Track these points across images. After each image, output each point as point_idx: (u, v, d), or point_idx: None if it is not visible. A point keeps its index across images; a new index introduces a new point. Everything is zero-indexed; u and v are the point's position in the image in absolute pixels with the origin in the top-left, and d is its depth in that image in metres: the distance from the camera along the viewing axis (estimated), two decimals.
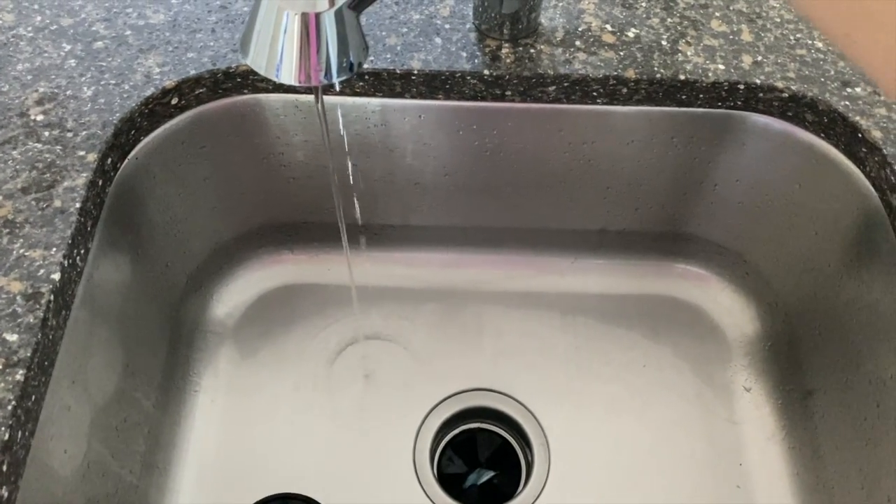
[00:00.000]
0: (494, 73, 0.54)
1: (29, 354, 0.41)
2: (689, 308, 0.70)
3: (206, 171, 0.60)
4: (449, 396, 0.65)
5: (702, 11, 0.58)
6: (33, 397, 0.42)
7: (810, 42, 0.56)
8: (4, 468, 0.39)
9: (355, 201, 0.64)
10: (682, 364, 0.67)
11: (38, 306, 0.43)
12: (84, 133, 0.50)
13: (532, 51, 0.55)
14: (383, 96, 0.56)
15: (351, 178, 0.61)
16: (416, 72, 0.54)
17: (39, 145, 0.49)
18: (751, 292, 0.68)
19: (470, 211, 0.67)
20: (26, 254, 0.45)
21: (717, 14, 0.58)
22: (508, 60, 0.54)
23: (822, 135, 0.55)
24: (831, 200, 0.57)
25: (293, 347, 0.67)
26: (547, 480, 0.61)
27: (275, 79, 0.34)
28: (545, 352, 0.68)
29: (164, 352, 0.61)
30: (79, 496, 0.47)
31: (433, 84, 0.55)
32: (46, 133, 0.50)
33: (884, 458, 0.51)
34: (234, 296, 0.69)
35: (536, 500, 0.60)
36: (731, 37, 0.56)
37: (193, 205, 0.61)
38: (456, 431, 0.65)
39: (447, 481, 0.62)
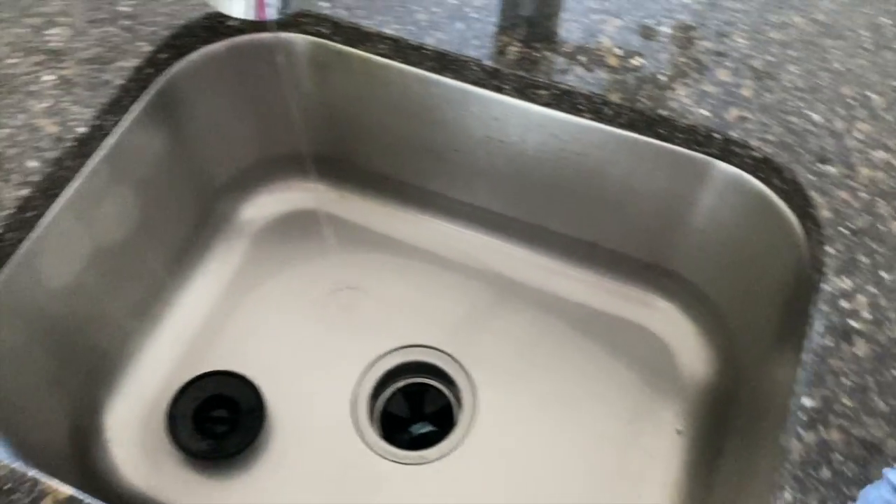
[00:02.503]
0: (494, 66, 0.59)
1: (38, 179, 0.53)
2: (656, 341, 0.72)
3: (262, 90, 0.70)
4: (396, 349, 0.71)
5: (715, 59, 0.60)
6: (31, 212, 0.53)
7: (808, 113, 0.57)
8: None
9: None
10: (629, 388, 0.69)
11: (58, 147, 0.54)
12: (150, 29, 0.61)
13: (536, 54, 0.60)
14: (402, 62, 0.63)
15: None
16: (428, 47, 0.60)
17: (114, 29, 0.61)
18: (716, 346, 0.69)
19: (474, 190, 0.72)
20: (69, 107, 0.56)
21: (729, 64, 0.59)
22: (511, 58, 0.60)
23: (783, 199, 0.55)
24: (787, 269, 0.57)
25: (299, 265, 0.75)
26: (466, 437, 0.66)
27: (228, 14, 0.42)
28: (507, 335, 0.72)
29: (188, 228, 0.72)
30: (60, 307, 0.59)
31: (442, 62, 0.61)
32: (125, 22, 0.62)
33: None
34: (266, 206, 0.79)
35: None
36: (730, 88, 0.58)
37: (244, 117, 0.71)
38: (400, 384, 0.72)
39: (385, 421, 0.69)
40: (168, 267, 0.71)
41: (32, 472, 0.43)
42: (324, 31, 0.63)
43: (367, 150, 0.73)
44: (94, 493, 0.43)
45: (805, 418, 0.44)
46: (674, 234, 0.66)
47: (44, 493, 0.42)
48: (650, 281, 0.72)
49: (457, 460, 0.66)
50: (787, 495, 0.42)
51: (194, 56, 0.64)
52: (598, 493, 0.64)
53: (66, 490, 0.42)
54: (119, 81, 0.58)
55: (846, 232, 0.51)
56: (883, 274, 0.49)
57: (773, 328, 0.58)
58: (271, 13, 0.42)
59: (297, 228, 0.78)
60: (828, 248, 0.50)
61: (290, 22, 0.64)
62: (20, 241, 0.53)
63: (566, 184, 0.66)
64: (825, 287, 0.49)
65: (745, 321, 0.64)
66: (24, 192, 0.53)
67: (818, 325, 0.47)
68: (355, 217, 0.79)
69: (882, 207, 0.52)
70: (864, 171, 0.54)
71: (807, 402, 0.45)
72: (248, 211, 0.78)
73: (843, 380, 0.45)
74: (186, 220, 0.72)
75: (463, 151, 0.68)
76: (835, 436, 0.44)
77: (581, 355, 0.71)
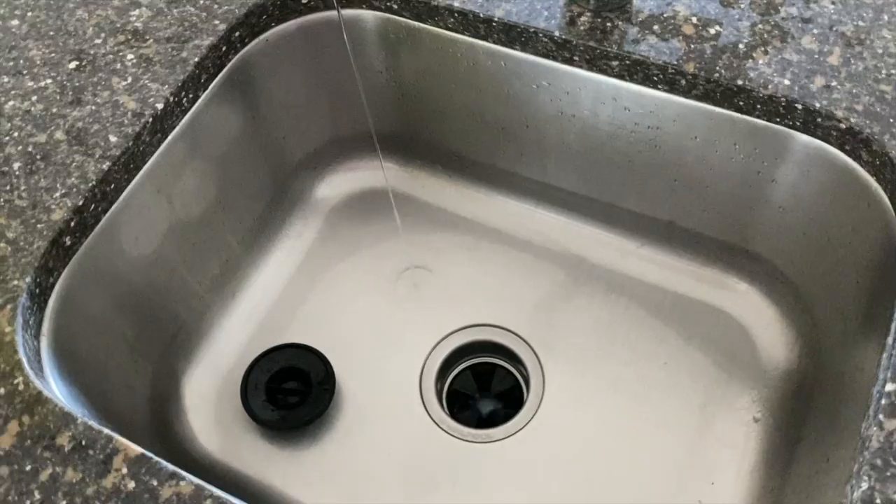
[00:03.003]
0: (564, 37, 0.58)
1: (119, 153, 0.55)
2: (734, 325, 0.69)
3: (336, 69, 0.70)
4: (467, 327, 0.71)
5: (800, 25, 0.56)
6: (112, 185, 0.56)
7: None
8: (72, 224, 0.53)
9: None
10: (705, 373, 0.67)
11: (138, 123, 0.57)
12: (225, 8, 0.63)
13: (609, 24, 0.58)
14: (470, 36, 0.62)
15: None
16: (496, 19, 0.59)
17: (192, 9, 0.63)
18: (799, 331, 0.65)
19: (544, 166, 0.71)
20: (148, 84, 0.59)
21: (816, 31, 0.56)
22: (582, 28, 0.58)
23: (875, 176, 0.52)
24: (884, 254, 0.54)
25: (371, 244, 0.76)
26: (533, 417, 0.66)
27: None
28: (578, 318, 0.71)
29: (264, 205, 0.74)
30: (139, 276, 0.62)
31: (511, 34, 0.60)
32: (203, 2, 0.63)
33: None
34: (342, 185, 0.80)
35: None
36: (816, 56, 0.55)
37: (317, 95, 0.72)
38: (467, 363, 0.71)
39: (452, 399, 0.69)
40: (244, 242, 0.73)
41: (107, 431, 0.45)
42: (393, 6, 0.63)
43: (437, 128, 0.73)
44: (169, 457, 0.45)
45: (887, 404, 0.42)
46: (753, 212, 0.63)
47: (116, 450, 0.44)
48: (728, 262, 0.69)
49: (522, 440, 0.65)
50: (864, 484, 0.39)
51: (267, 34, 0.65)
52: (668, 479, 0.62)
53: (137, 449, 0.44)
54: (195, 59, 0.60)
55: None
56: None
57: (859, 311, 0.55)
58: None
59: (368, 207, 0.79)
60: None
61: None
62: (103, 212, 0.56)
63: (640, 159, 0.64)
64: None
65: (828, 304, 0.60)
66: (106, 165, 0.55)
67: None
68: (425, 196, 0.79)
69: None
70: None
71: (890, 387, 0.42)
72: (322, 189, 0.80)
73: None
74: (262, 197, 0.74)
75: (533, 127, 0.67)
76: None
77: (654, 338, 0.69)
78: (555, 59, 0.60)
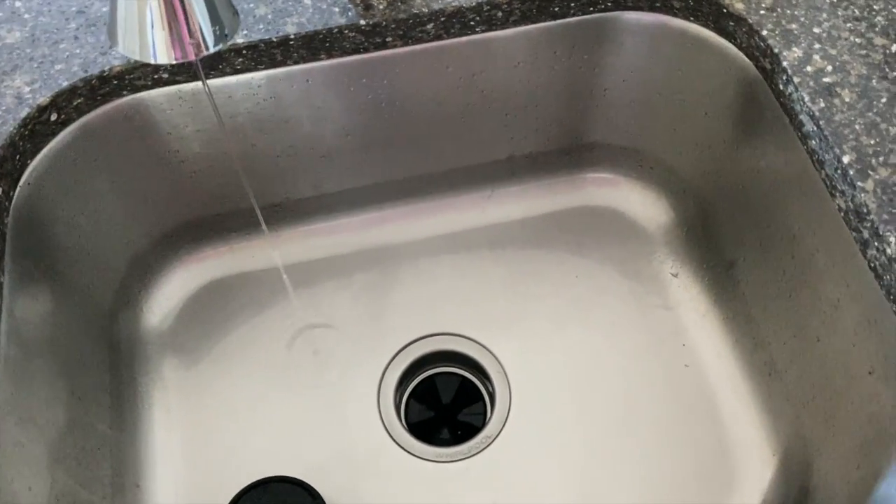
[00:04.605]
0: (371, 22, 0.54)
1: None
2: (606, 212, 0.73)
3: (105, 183, 0.58)
4: (400, 349, 0.66)
5: None
6: None
7: None
8: None
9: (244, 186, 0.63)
10: (610, 267, 0.70)
11: None
12: None
13: None
14: (265, 68, 0.55)
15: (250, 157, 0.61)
16: (292, 36, 0.53)
17: None
18: (659, 184, 0.71)
19: (379, 167, 0.67)
20: None
21: None
22: (381, 7, 0.55)
23: (692, 18, 0.57)
24: (712, 79, 0.59)
25: (235, 339, 0.66)
26: (510, 406, 0.63)
27: (151, 61, 0.34)
28: (482, 285, 0.69)
29: (107, 373, 0.60)
30: None
31: (312, 45, 0.54)
32: None
33: (805, 303, 0.55)
34: (163, 302, 0.67)
35: (503, 426, 0.62)
36: None
37: (99, 220, 0.59)
38: (416, 381, 0.66)
39: (416, 429, 0.63)
40: (114, 423, 0.59)
41: None
42: (177, 78, 0.54)
43: (236, 192, 0.65)
44: None
45: (849, 174, 0.47)
46: (586, 108, 0.66)
47: None
48: (575, 164, 0.72)
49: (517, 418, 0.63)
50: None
51: (26, 177, 0.52)
52: (655, 368, 0.65)
53: None
54: None
55: (764, 12, 0.54)
56: (817, 29, 0.53)
57: (725, 135, 0.61)
58: (195, 50, 0.34)
59: (208, 306, 0.68)
60: (764, 33, 0.53)
61: (125, 85, 0.53)
62: None
63: (471, 111, 0.64)
64: (784, 64, 0.51)
65: (683, 150, 0.66)
66: None
67: (804, 98, 0.50)
68: (262, 262, 0.70)
69: None
70: None
71: (846, 159, 0.47)
72: (150, 318, 0.66)
73: (858, 127, 0.48)
74: (102, 364, 0.59)
75: (353, 134, 0.63)
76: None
77: (553, 263, 0.70)
78: (366, 50, 0.56)
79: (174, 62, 0.34)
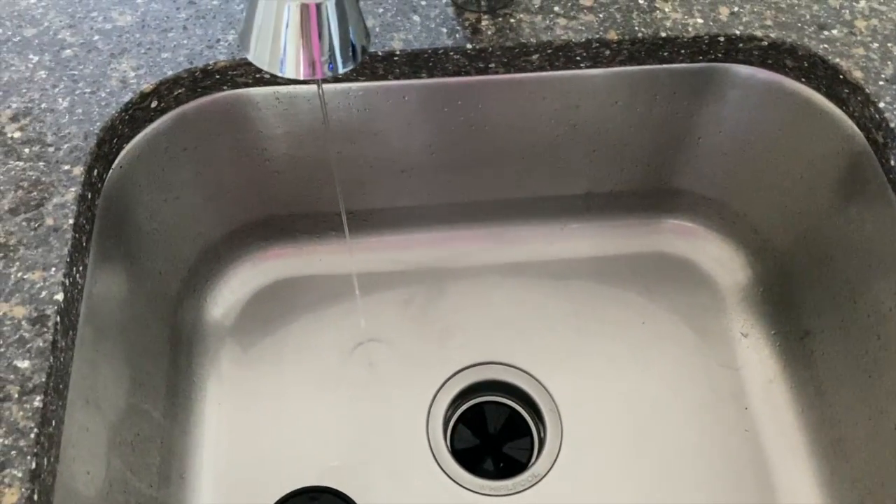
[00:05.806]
0: (477, 47, 0.53)
1: (44, 379, 0.40)
2: (680, 261, 0.71)
3: (189, 173, 0.58)
4: (455, 373, 0.65)
5: None
6: (53, 422, 0.41)
7: None
8: (35, 497, 0.38)
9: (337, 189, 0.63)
10: (678, 317, 0.68)
11: (45, 329, 0.41)
12: (66, 146, 0.48)
13: (512, 20, 0.54)
14: (366, 80, 0.55)
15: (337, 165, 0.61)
16: (398, 52, 0.53)
17: (21, 163, 0.47)
18: (739, 240, 0.69)
19: (457, 187, 0.66)
20: (25, 276, 0.43)
21: None
22: (490, 32, 0.54)
23: (804, 80, 0.55)
24: (815, 143, 0.58)
25: (294, 341, 0.66)
26: (561, 446, 0.62)
27: (280, 74, 0.33)
28: (543, 318, 0.68)
29: (167, 361, 0.60)
30: None
31: (416, 63, 0.54)
32: (27, 150, 0.48)
33: (889, 388, 0.53)
34: (228, 296, 0.68)
35: (552, 465, 0.61)
36: None
37: (179, 208, 0.60)
38: (465, 407, 0.66)
39: (462, 456, 0.62)
40: (168, 412, 0.59)
41: None
42: (265, 75, 0.54)
43: (321, 194, 0.64)
44: None
45: None
46: (677, 153, 0.65)
47: None
48: (655, 207, 0.71)
49: (567, 458, 0.61)
50: None
51: (119, 160, 0.52)
52: (713, 428, 0.63)
53: None
54: (70, 222, 0.45)
55: (883, 83, 0.52)
56: None
57: (820, 200, 0.59)
58: (325, 69, 0.34)
59: (271, 305, 0.68)
60: (881, 105, 0.51)
61: (227, 80, 0.53)
62: (56, 459, 0.41)
63: (559, 143, 0.63)
64: None
65: (770, 208, 0.64)
66: (37, 400, 0.40)
67: None
68: (329, 267, 0.70)
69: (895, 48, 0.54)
70: (861, 24, 0.55)
71: None
72: (214, 310, 0.67)
73: None
74: (163, 352, 0.60)
75: (438, 151, 0.62)
76: None
77: (619, 306, 0.69)
78: (467, 73, 0.55)
79: (301, 79, 0.34)
